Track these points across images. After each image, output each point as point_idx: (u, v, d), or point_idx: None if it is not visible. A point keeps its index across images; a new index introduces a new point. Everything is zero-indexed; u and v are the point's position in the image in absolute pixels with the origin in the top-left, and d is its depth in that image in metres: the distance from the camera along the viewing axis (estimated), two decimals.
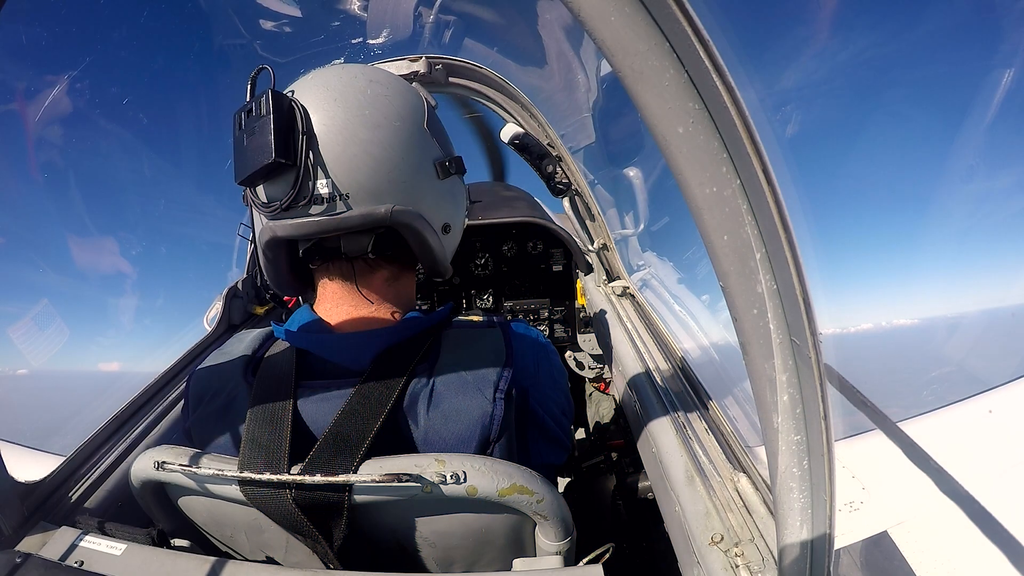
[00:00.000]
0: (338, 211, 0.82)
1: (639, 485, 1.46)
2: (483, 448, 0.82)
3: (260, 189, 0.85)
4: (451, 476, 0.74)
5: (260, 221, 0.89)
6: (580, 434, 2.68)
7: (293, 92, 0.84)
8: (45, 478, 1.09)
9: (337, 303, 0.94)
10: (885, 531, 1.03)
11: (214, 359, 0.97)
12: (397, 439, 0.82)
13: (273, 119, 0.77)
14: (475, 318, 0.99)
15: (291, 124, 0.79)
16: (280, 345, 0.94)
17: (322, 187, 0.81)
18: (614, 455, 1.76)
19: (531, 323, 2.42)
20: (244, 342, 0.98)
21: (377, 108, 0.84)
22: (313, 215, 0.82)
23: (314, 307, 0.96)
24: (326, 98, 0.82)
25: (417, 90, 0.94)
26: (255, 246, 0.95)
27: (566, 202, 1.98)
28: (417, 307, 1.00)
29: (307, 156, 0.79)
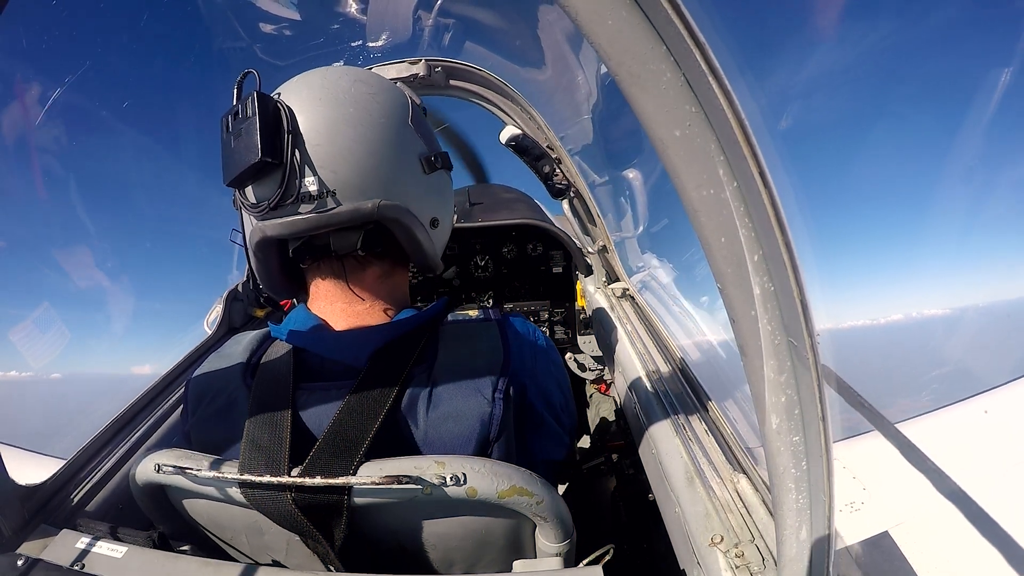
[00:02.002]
0: (326, 208, 0.83)
1: (639, 486, 1.46)
2: (483, 447, 0.83)
3: (249, 190, 0.86)
4: (451, 478, 0.75)
5: (250, 223, 0.90)
6: (585, 441, 2.67)
7: (279, 94, 0.86)
8: (46, 481, 1.10)
9: (331, 301, 0.94)
10: (886, 531, 1.03)
11: (212, 362, 0.97)
12: (397, 439, 0.82)
13: (259, 119, 0.79)
14: (471, 312, 0.99)
15: (277, 124, 0.80)
16: (278, 346, 0.94)
17: (309, 184, 0.82)
18: (614, 456, 1.76)
19: None
20: (242, 344, 0.98)
21: (361, 106, 0.85)
22: (301, 213, 0.83)
23: (308, 307, 0.97)
24: (310, 98, 0.84)
25: (402, 89, 0.96)
26: (246, 249, 0.96)
27: (565, 204, 1.99)
28: (416, 306, 1.00)
29: (293, 154, 0.81)
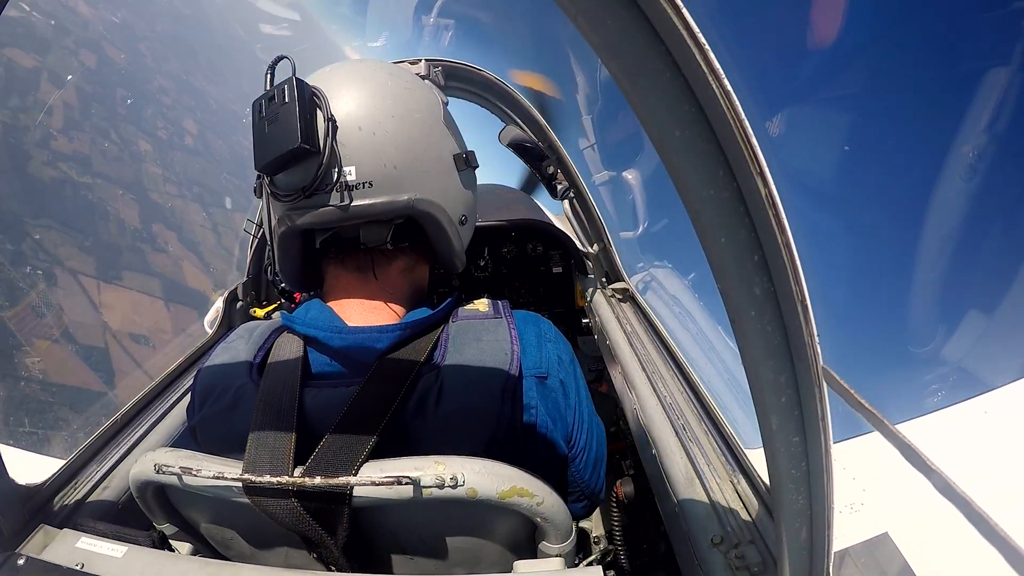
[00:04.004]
0: (360, 199, 0.83)
1: (639, 487, 1.46)
2: (490, 447, 0.82)
3: (278, 178, 0.85)
4: (451, 479, 0.74)
5: (276, 212, 0.90)
6: None
7: (313, 81, 0.85)
8: (46, 481, 1.10)
9: (348, 295, 0.94)
10: (886, 532, 1.03)
11: (220, 355, 0.96)
12: (404, 438, 0.82)
13: (297, 105, 0.78)
14: (481, 307, 0.98)
15: (314, 111, 0.80)
16: (287, 338, 0.93)
17: (346, 174, 0.82)
18: (615, 457, 1.76)
19: None
20: (251, 336, 0.97)
21: (399, 100, 0.86)
22: (335, 203, 0.83)
23: (324, 300, 0.96)
24: (348, 88, 0.84)
25: (431, 88, 0.97)
26: (269, 239, 0.95)
27: (566, 204, 1.99)
28: (430, 303, 1.00)
29: (331, 143, 0.80)
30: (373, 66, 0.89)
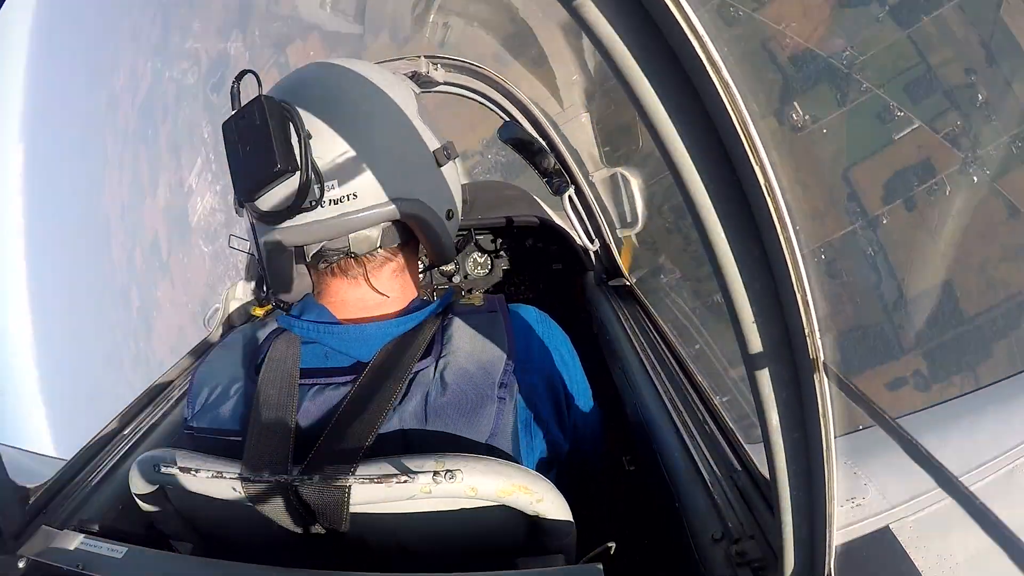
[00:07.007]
0: (346, 212, 0.82)
1: (639, 483, 1.46)
2: (490, 440, 0.82)
3: (260, 200, 0.83)
4: (450, 476, 0.74)
5: (262, 231, 0.88)
6: None
7: (282, 95, 0.83)
8: (46, 482, 1.09)
9: (343, 296, 0.93)
10: (887, 526, 1.03)
11: (218, 354, 0.96)
12: (402, 435, 0.82)
13: (271, 127, 0.75)
14: (476, 302, 0.98)
15: (287, 128, 0.78)
16: (285, 338, 0.93)
17: (328, 188, 0.80)
18: (615, 453, 1.76)
19: None
20: (248, 336, 0.97)
21: (373, 103, 0.84)
22: (321, 218, 0.82)
23: (319, 299, 0.95)
24: (319, 98, 0.82)
25: (403, 82, 0.95)
26: (258, 256, 0.94)
27: (566, 200, 1.98)
28: (423, 298, 1.00)
29: (310, 159, 0.78)
30: (341, 70, 0.87)
